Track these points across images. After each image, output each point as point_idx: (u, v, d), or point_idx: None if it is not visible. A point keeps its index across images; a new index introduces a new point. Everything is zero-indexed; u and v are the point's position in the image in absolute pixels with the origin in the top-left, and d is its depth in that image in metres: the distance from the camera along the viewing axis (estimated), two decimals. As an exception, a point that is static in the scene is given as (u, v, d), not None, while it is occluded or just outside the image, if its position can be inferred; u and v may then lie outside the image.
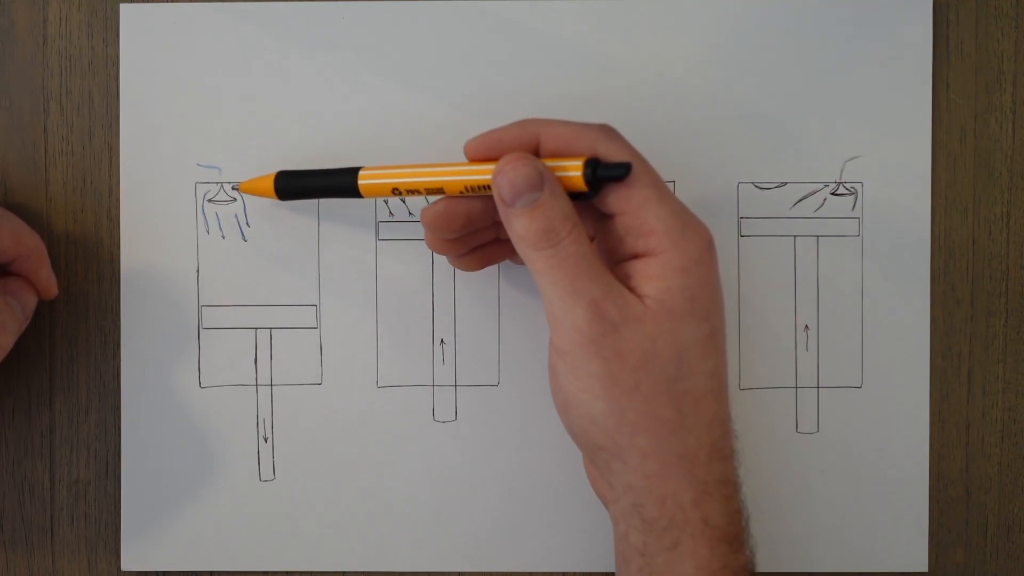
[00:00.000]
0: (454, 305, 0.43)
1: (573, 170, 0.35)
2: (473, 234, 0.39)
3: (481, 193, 0.36)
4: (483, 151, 0.37)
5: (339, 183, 0.39)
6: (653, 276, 0.35)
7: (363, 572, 0.43)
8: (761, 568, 0.42)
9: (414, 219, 0.43)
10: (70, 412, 0.43)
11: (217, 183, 0.43)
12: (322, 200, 0.43)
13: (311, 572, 0.43)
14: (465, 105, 0.42)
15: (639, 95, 0.42)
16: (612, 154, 0.35)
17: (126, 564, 0.43)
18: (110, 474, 0.43)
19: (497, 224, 0.38)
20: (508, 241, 0.39)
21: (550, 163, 0.35)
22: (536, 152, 0.36)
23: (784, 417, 0.43)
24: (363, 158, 0.42)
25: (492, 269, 0.42)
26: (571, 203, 0.35)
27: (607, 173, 0.35)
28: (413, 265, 0.43)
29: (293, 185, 0.40)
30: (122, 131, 0.43)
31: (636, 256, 0.35)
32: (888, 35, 0.42)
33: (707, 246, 0.35)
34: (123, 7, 0.43)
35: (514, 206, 0.35)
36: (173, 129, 0.43)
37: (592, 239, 0.36)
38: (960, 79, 0.42)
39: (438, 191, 0.37)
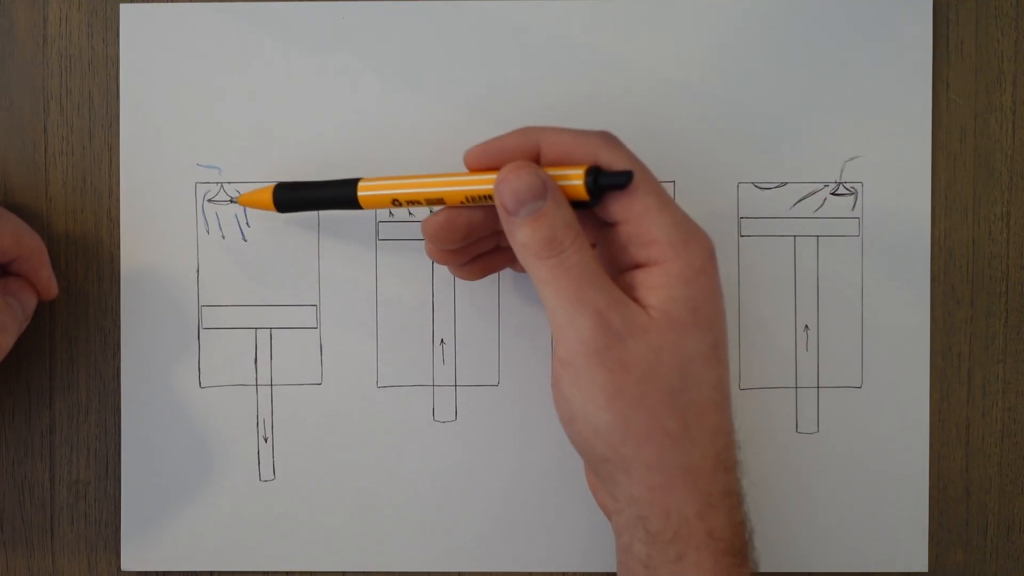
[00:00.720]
0: (454, 305, 0.43)
1: (575, 179, 0.35)
2: (474, 244, 0.39)
3: (482, 203, 0.36)
4: (484, 160, 0.36)
5: (338, 195, 0.39)
6: (656, 286, 0.34)
7: (363, 572, 0.43)
8: (761, 568, 0.42)
9: (414, 219, 0.43)
10: (70, 412, 0.43)
11: (217, 183, 0.43)
12: (322, 200, 0.43)
13: (311, 572, 0.43)
14: (465, 105, 0.42)
15: (639, 95, 0.42)
16: (613, 162, 0.35)
17: (126, 564, 0.43)
18: (110, 474, 0.43)
19: (498, 233, 0.38)
20: (509, 249, 0.39)
21: (551, 171, 0.35)
22: (537, 160, 0.36)
23: (784, 417, 0.43)
24: (363, 158, 0.42)
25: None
26: (573, 212, 0.35)
27: (608, 181, 0.34)
28: (413, 265, 0.43)
29: (292, 197, 0.40)
30: (122, 131, 0.43)
31: (638, 266, 0.35)
32: (888, 35, 0.42)
33: (709, 256, 0.35)
34: (123, 7, 0.43)
35: (517, 215, 0.34)
36: (173, 129, 0.43)
37: (593, 247, 0.36)
38: (960, 79, 0.42)
39: (439, 201, 0.37)
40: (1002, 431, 0.43)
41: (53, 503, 0.43)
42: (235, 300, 0.43)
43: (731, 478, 0.35)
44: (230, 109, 0.43)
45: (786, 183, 0.42)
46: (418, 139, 0.43)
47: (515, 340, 0.43)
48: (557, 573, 0.43)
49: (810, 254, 0.43)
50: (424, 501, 0.43)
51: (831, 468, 0.42)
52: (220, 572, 0.43)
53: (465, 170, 0.37)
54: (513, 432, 0.43)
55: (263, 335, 0.43)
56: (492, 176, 0.35)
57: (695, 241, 0.35)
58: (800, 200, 0.42)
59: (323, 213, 0.43)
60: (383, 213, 0.43)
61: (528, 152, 0.36)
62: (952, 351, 0.43)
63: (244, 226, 0.43)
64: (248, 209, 0.43)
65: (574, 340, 0.34)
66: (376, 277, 0.43)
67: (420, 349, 0.43)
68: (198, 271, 0.43)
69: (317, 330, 0.43)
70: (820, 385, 0.43)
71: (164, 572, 0.43)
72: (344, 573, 0.43)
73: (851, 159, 0.42)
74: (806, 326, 0.43)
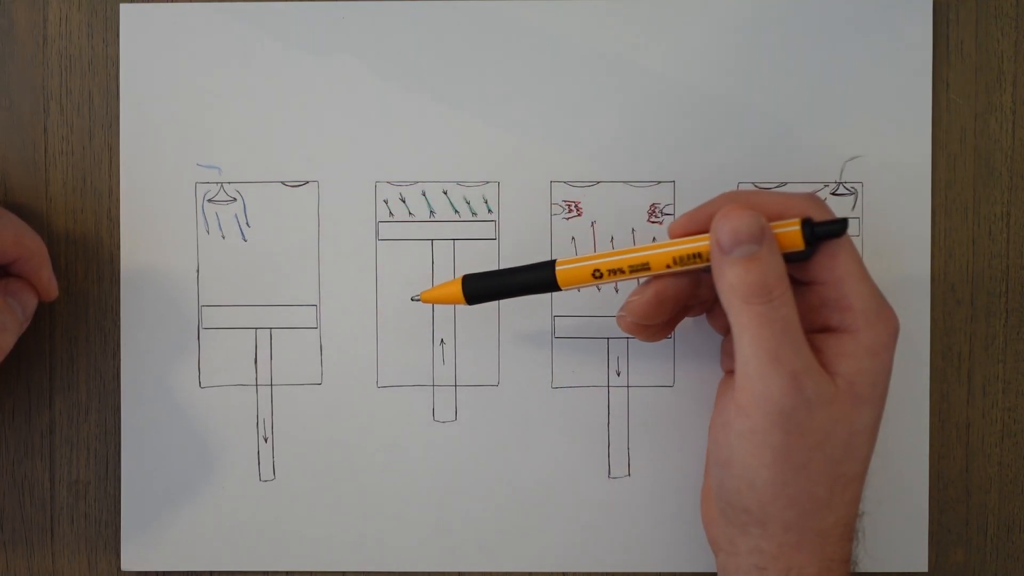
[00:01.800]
0: (454, 305, 0.43)
1: (791, 226, 0.34)
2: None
3: (690, 264, 0.36)
4: (692, 227, 0.36)
5: (533, 279, 0.38)
6: (847, 355, 0.35)
7: (363, 572, 0.43)
8: (761, 568, 0.42)
9: (414, 219, 0.43)
10: (70, 412, 0.43)
11: (217, 183, 0.43)
12: (321, 197, 0.43)
13: (311, 572, 0.43)
14: (465, 105, 0.42)
15: (639, 95, 0.42)
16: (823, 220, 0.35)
17: (126, 564, 0.43)
18: (110, 474, 0.43)
19: (701, 289, 0.38)
20: (695, 307, 0.39)
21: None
22: None
23: (784, 417, 0.43)
24: (363, 158, 0.42)
25: (490, 267, 0.42)
26: (784, 265, 0.34)
27: (825, 230, 0.34)
28: (413, 265, 0.43)
29: (482, 287, 0.39)
30: (122, 131, 0.43)
31: (827, 329, 0.35)
32: (888, 35, 0.42)
33: (894, 333, 0.35)
34: (123, 7, 0.43)
35: (731, 254, 0.34)
36: (173, 129, 0.43)
37: None
38: (960, 79, 0.42)
39: (643, 267, 0.36)
40: (1002, 431, 0.43)
41: (53, 503, 0.43)
42: (235, 300, 0.43)
43: (850, 547, 0.36)
44: (230, 109, 0.43)
45: (786, 183, 0.42)
46: (418, 139, 0.43)
47: (515, 340, 0.43)
48: (557, 573, 0.43)
49: (810, 254, 0.43)
50: (424, 501, 0.43)
51: (831, 468, 0.42)
52: (220, 572, 0.43)
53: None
54: (513, 432, 0.43)
55: (263, 335, 0.43)
56: (701, 236, 0.36)
57: (886, 315, 0.35)
58: (800, 200, 0.42)
59: (324, 214, 0.43)
60: (383, 213, 0.43)
61: None
62: (952, 351, 0.43)
63: (244, 226, 0.43)
64: (248, 209, 0.43)
65: (761, 395, 0.33)
66: (376, 277, 0.43)
67: (420, 349, 0.43)
68: (198, 271, 0.43)
69: (317, 330, 0.43)
70: (820, 385, 0.43)
71: (164, 572, 0.43)
72: (344, 573, 0.43)
73: (851, 159, 0.42)
74: (806, 326, 0.43)
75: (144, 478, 0.43)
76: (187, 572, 0.43)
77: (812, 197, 0.36)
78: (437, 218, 0.43)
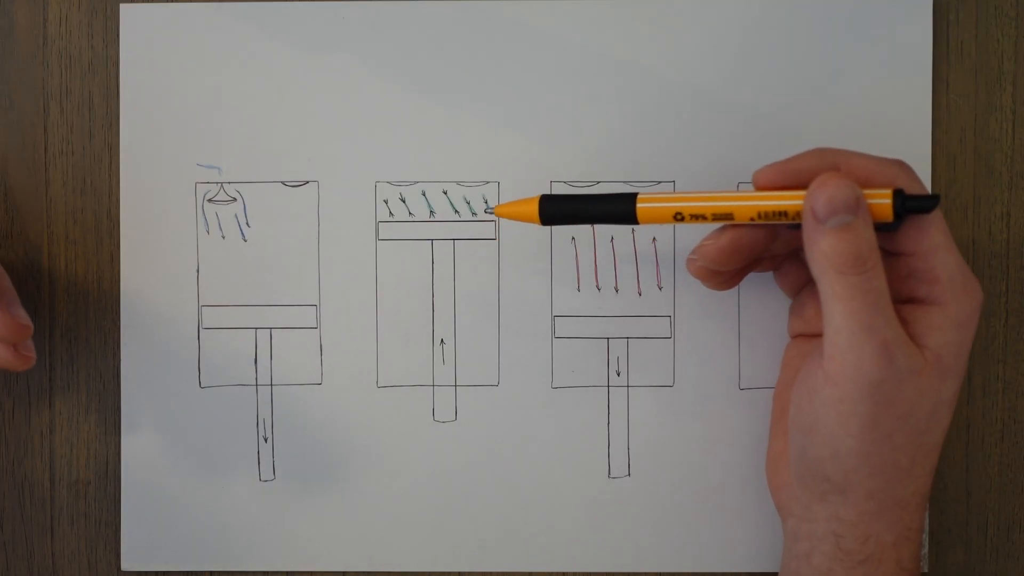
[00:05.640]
0: (454, 305, 0.43)
1: (882, 198, 0.34)
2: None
3: (773, 220, 0.36)
4: (777, 179, 0.36)
5: (614, 208, 0.38)
6: (935, 327, 0.35)
7: (363, 572, 0.43)
8: (761, 568, 0.42)
9: (414, 219, 0.43)
10: (70, 412, 0.43)
11: (217, 183, 0.43)
12: (321, 197, 0.43)
13: (311, 572, 0.43)
14: (465, 105, 0.42)
15: (639, 95, 0.42)
16: (913, 190, 0.35)
17: (126, 564, 0.43)
18: (110, 474, 0.43)
19: (777, 243, 0.38)
20: (770, 260, 0.39)
21: None
22: None
23: (784, 417, 0.43)
24: (363, 158, 0.42)
25: (490, 267, 0.43)
26: (875, 236, 0.34)
27: (916, 205, 0.34)
28: (413, 265, 0.43)
29: (560, 209, 0.38)
30: (122, 131, 0.43)
31: (913, 300, 0.36)
32: (888, 35, 0.42)
33: (980, 305, 0.35)
34: (123, 7, 0.43)
35: (826, 223, 0.34)
36: (173, 129, 0.43)
37: None
38: (960, 79, 0.42)
39: (726, 217, 0.36)
40: (1002, 431, 0.43)
41: (53, 503, 0.43)
42: (235, 300, 0.43)
43: (924, 516, 0.37)
44: (230, 109, 0.43)
45: (786, 183, 0.42)
46: (418, 139, 0.43)
47: (515, 340, 0.43)
48: (557, 573, 0.43)
49: (810, 254, 0.42)
50: (424, 501, 0.43)
51: (831, 468, 0.42)
52: (220, 572, 0.43)
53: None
54: (513, 432, 0.43)
55: (263, 335, 0.43)
56: (789, 194, 0.35)
57: (973, 288, 0.35)
58: (800, 200, 0.42)
59: (323, 213, 0.43)
60: (383, 213, 0.43)
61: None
62: (952, 351, 0.42)
63: (244, 226, 0.43)
64: (248, 209, 0.43)
65: (852, 365, 0.34)
66: (376, 277, 0.43)
67: (420, 349, 0.43)
68: (198, 271, 0.43)
69: (317, 330, 0.43)
70: (820, 385, 0.43)
71: (164, 572, 0.43)
72: (344, 573, 0.43)
73: (851, 159, 0.42)
74: (806, 326, 0.43)
75: (144, 478, 0.43)
76: (187, 572, 0.43)
77: (902, 165, 0.36)
78: (437, 218, 0.43)
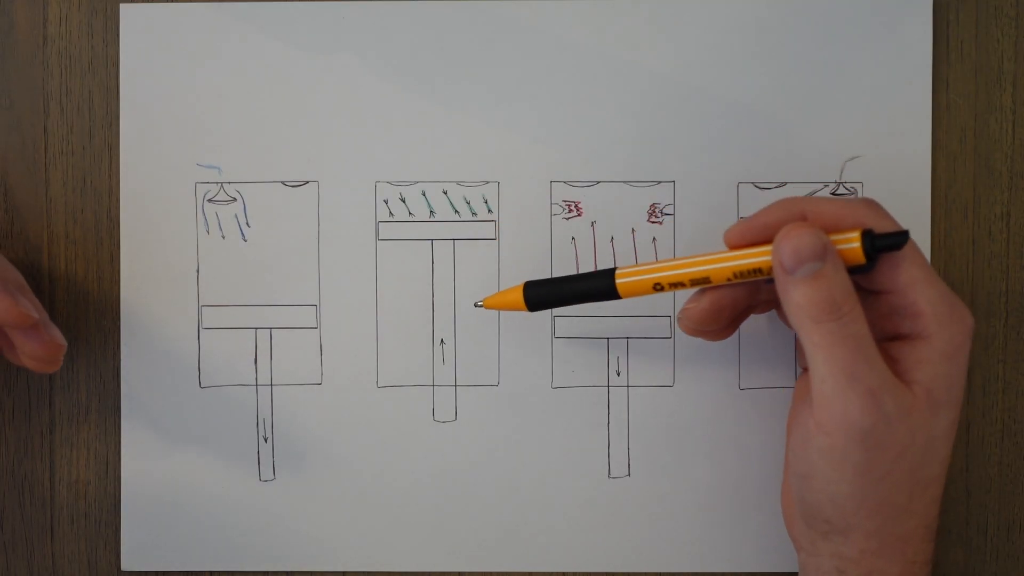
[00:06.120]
0: (454, 305, 0.43)
1: (851, 242, 0.34)
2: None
3: (750, 278, 0.36)
4: (749, 236, 0.36)
5: (593, 287, 0.38)
6: (922, 361, 0.34)
7: (363, 572, 0.43)
8: (761, 568, 0.42)
9: (414, 219, 0.43)
10: (70, 412, 0.43)
11: (217, 183, 0.43)
12: (321, 197, 0.43)
13: (311, 572, 0.43)
14: (465, 105, 0.42)
15: (639, 95, 0.42)
16: (883, 228, 0.35)
17: (126, 564, 0.43)
18: (110, 474, 0.43)
19: (759, 296, 0.38)
20: (761, 304, 0.39)
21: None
22: None
23: (784, 417, 0.42)
24: (363, 158, 0.42)
25: (490, 268, 0.42)
26: (850, 279, 0.34)
27: (886, 243, 0.34)
28: (413, 265, 0.43)
29: (543, 294, 0.39)
30: (122, 131, 0.43)
31: (899, 336, 0.35)
32: (888, 35, 0.42)
33: (969, 333, 0.35)
34: (123, 7, 0.43)
35: (794, 274, 0.34)
36: (173, 129, 0.43)
37: None
38: (960, 79, 0.42)
39: (704, 281, 0.36)
40: (1002, 431, 0.43)
41: (53, 503, 0.43)
42: (235, 300, 0.43)
43: (932, 547, 0.36)
44: (230, 109, 0.43)
45: (786, 183, 0.42)
46: (418, 139, 0.43)
47: (515, 340, 0.43)
48: (557, 573, 0.43)
49: (810, 254, 0.42)
50: (424, 501, 0.43)
51: (831, 468, 0.42)
52: (220, 572, 0.43)
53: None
54: (513, 432, 0.43)
55: (263, 335, 0.43)
56: (759, 250, 0.35)
57: (959, 316, 0.35)
58: (800, 200, 0.42)
59: (323, 213, 0.43)
60: (383, 213, 0.43)
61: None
62: (952, 351, 0.42)
63: (244, 226, 0.43)
64: (248, 209, 0.43)
65: (840, 414, 0.33)
66: (376, 277, 0.43)
67: (420, 349, 0.43)
68: (198, 271, 0.43)
69: (317, 330, 0.43)
70: (820, 385, 0.43)
71: (164, 572, 0.43)
72: (344, 573, 0.43)
73: (851, 159, 0.42)
74: (806, 326, 0.43)
75: (144, 478, 0.43)
76: (187, 572, 0.43)
77: (869, 204, 0.36)
78: (437, 218, 0.43)
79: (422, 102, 0.42)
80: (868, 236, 0.34)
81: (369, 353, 0.43)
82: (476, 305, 0.41)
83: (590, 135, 0.42)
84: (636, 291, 0.38)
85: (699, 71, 0.42)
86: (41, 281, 0.43)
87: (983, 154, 0.42)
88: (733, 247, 0.36)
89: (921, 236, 0.42)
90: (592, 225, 0.43)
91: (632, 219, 0.42)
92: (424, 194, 0.43)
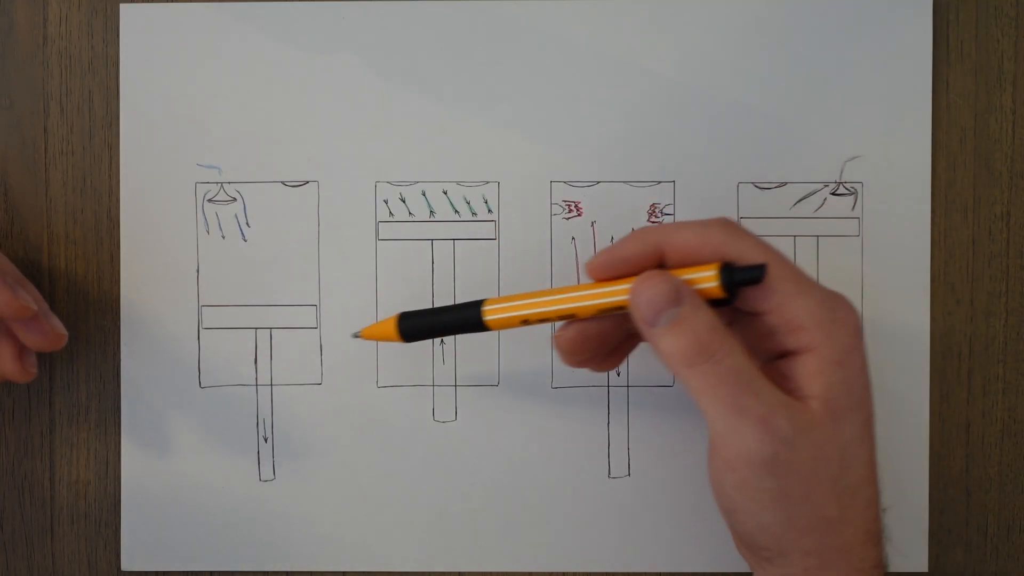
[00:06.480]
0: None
1: (709, 280, 0.33)
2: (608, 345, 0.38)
3: (617, 312, 0.35)
4: (610, 270, 0.35)
5: (463, 319, 0.37)
6: (813, 373, 0.34)
7: (363, 572, 0.43)
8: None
9: (414, 219, 0.43)
10: (70, 412, 0.43)
11: (217, 183, 0.43)
12: (321, 197, 0.43)
13: (311, 572, 0.43)
14: (465, 105, 0.42)
15: (639, 95, 0.42)
16: (742, 252, 0.34)
17: (126, 564, 0.43)
18: (110, 474, 0.43)
19: (630, 325, 0.37)
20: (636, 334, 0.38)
21: (682, 274, 0.34)
22: (661, 263, 0.35)
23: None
24: (363, 158, 0.42)
25: (490, 268, 0.42)
26: (714, 313, 0.33)
27: (744, 277, 0.33)
28: (413, 265, 0.43)
29: (417, 325, 0.38)
30: (122, 131, 0.43)
31: (785, 353, 0.35)
32: (888, 35, 0.42)
33: (856, 330, 0.34)
34: (123, 7, 0.43)
35: (656, 325, 0.33)
36: (173, 129, 0.43)
37: None
38: (960, 79, 0.42)
39: (570, 317, 0.36)
40: (1002, 431, 0.43)
41: (53, 503, 0.43)
42: (235, 300, 0.43)
43: (878, 551, 0.35)
44: (230, 109, 0.43)
45: (786, 183, 0.42)
46: (418, 139, 0.43)
47: (515, 340, 0.43)
48: (557, 573, 0.43)
49: (810, 254, 0.42)
50: (424, 501, 0.43)
51: (831, 468, 0.42)
52: (220, 572, 0.43)
53: (585, 280, 0.36)
54: (513, 432, 0.43)
55: (263, 335, 0.43)
56: (621, 287, 0.35)
57: (841, 319, 0.34)
58: (800, 200, 0.42)
59: (323, 213, 0.43)
60: (383, 213, 0.43)
61: (651, 257, 0.35)
62: (952, 351, 0.43)
63: (244, 226, 0.43)
64: (248, 209, 0.43)
65: (738, 450, 0.33)
66: (376, 277, 0.43)
67: (420, 349, 0.43)
68: (198, 271, 0.43)
69: (317, 330, 0.43)
70: (820, 385, 0.43)
71: (164, 572, 0.43)
72: (344, 573, 0.43)
73: (851, 159, 0.42)
74: (806, 326, 0.43)
75: (144, 478, 0.43)
76: (187, 572, 0.43)
77: (724, 224, 0.35)
78: (437, 218, 0.43)
79: (422, 102, 0.42)
80: (727, 270, 0.33)
81: (369, 353, 0.43)
82: (354, 336, 0.40)
83: (590, 135, 0.42)
84: (505, 325, 0.37)
85: (699, 71, 0.42)
86: (41, 281, 0.43)
87: (983, 154, 0.42)
88: (596, 279, 0.36)
89: (921, 236, 0.42)
90: (592, 225, 0.43)
91: (632, 219, 0.42)
92: (424, 194, 0.43)
